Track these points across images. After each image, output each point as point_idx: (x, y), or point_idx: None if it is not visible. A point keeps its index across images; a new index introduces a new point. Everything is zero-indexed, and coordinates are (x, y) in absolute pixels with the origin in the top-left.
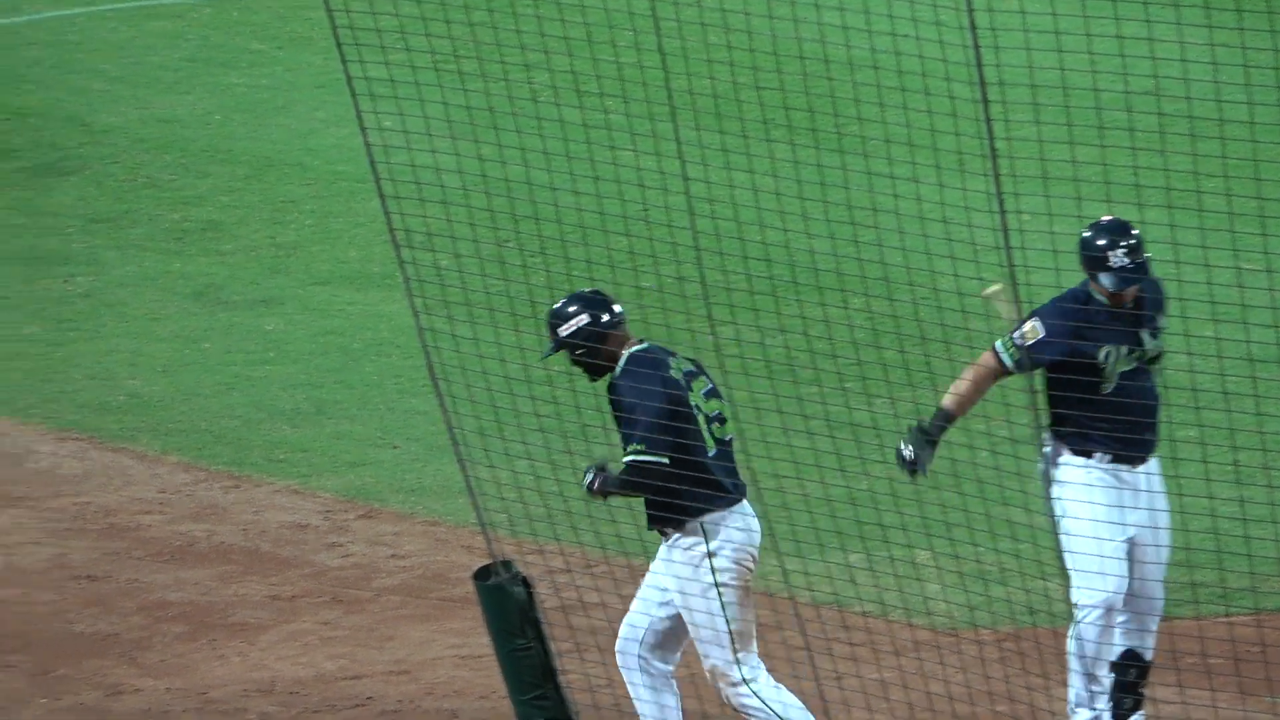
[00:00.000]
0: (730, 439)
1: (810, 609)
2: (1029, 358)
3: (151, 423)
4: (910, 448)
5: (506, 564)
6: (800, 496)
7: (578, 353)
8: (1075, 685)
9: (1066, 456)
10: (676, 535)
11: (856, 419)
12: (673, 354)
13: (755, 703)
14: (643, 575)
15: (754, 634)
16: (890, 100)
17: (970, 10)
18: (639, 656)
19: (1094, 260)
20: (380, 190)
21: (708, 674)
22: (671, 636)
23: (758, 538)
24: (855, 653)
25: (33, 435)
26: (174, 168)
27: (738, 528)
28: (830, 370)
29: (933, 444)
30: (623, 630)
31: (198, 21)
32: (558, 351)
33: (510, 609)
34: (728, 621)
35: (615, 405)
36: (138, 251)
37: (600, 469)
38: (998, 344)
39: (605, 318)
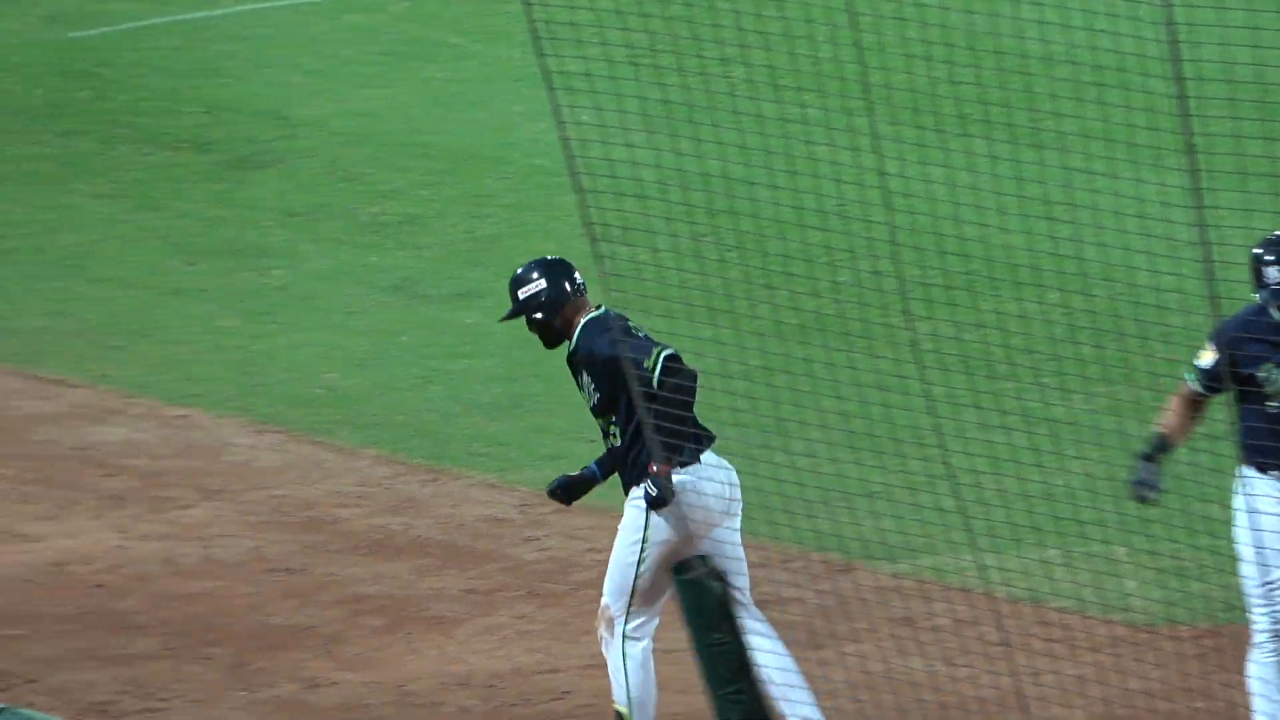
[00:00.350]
0: None
1: (1008, 605)
2: (1207, 377)
3: (349, 416)
4: (1137, 473)
5: (703, 559)
6: (997, 492)
7: (535, 316)
8: (1256, 710)
9: (1247, 470)
10: (635, 487)
11: (1053, 414)
12: (628, 319)
13: (616, 660)
14: (839, 570)
15: (659, 602)
16: (1087, 95)
17: (1168, 5)
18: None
19: (1254, 275)
20: (579, 185)
21: (601, 608)
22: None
23: (707, 498)
24: (1052, 649)
25: (231, 428)
26: (371, 161)
27: (692, 491)
28: (1026, 365)
29: (1152, 461)
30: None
31: (395, 15)
32: (517, 315)
33: (707, 604)
34: (636, 577)
35: (589, 364)
36: (335, 245)
37: (645, 478)
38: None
39: (565, 285)
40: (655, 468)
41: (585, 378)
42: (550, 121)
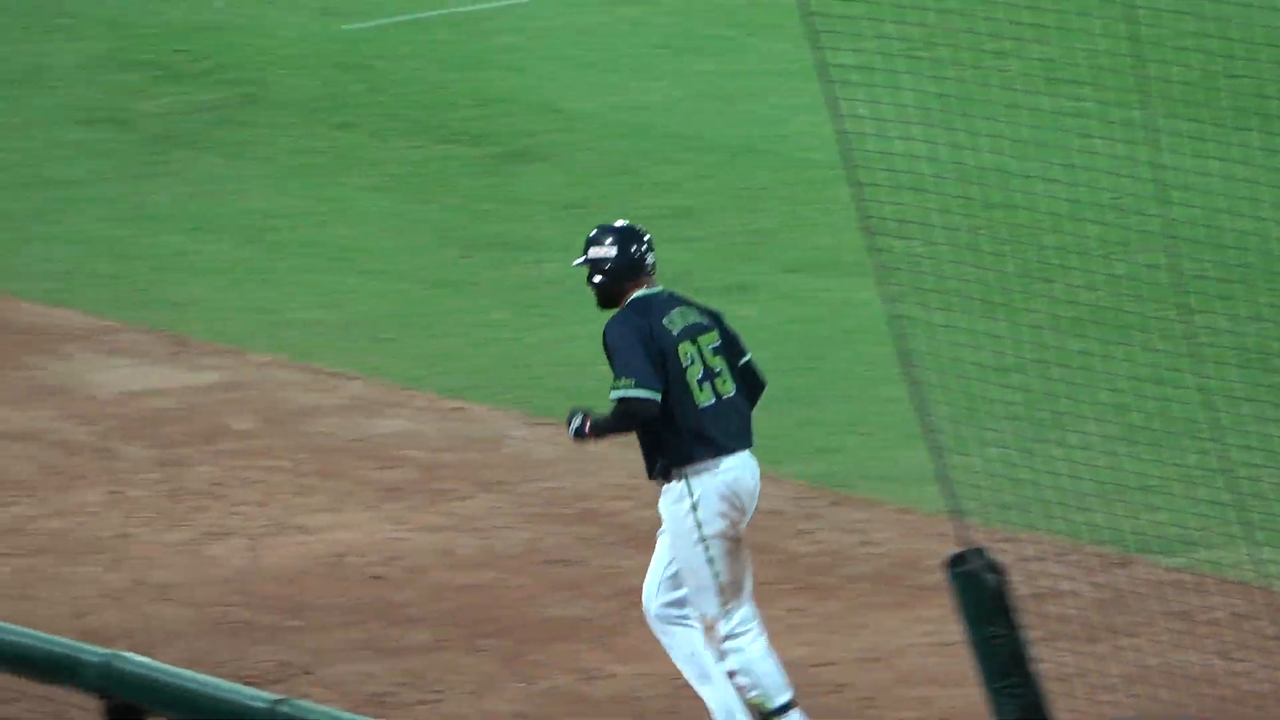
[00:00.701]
0: (732, 396)
1: None
2: None
3: None
4: None
5: (978, 551)
6: (1275, 485)
7: (595, 278)
8: None
9: None
10: (664, 485)
11: None
12: (685, 304)
13: (738, 659)
14: (1115, 564)
15: (747, 586)
16: None
17: None
18: (659, 608)
19: None
20: (856, 178)
21: (704, 626)
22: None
23: (745, 485)
24: None
25: (506, 420)
26: (644, 154)
27: (722, 478)
28: None
29: None
30: (644, 589)
31: (667, 8)
32: (585, 264)
33: (982, 597)
34: (715, 575)
35: (604, 347)
36: None
37: (585, 412)
38: None
39: (633, 258)
40: (589, 420)
41: None
42: (823, 115)
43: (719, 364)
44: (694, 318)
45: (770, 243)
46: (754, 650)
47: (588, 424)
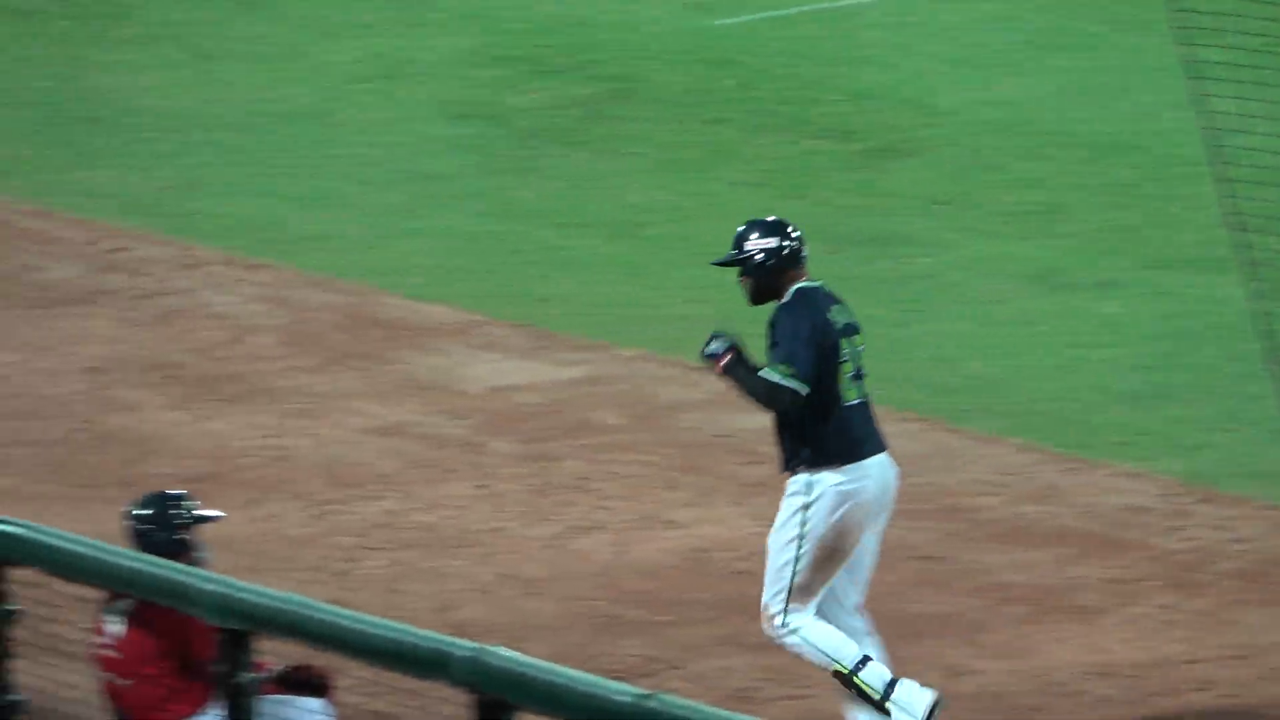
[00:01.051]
0: (868, 399)
1: None
2: None
3: (991, 404)
4: None
5: None
6: None
7: (758, 269)
8: None
9: None
10: (791, 476)
11: None
12: (838, 302)
13: (795, 639)
14: None
15: (818, 594)
16: None
17: None
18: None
19: None
20: (1221, 174)
21: (761, 608)
22: (847, 575)
23: (867, 495)
24: None
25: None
26: (1012, 150)
27: (845, 487)
28: None
29: None
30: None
31: (1035, 4)
32: (734, 264)
33: None
34: (792, 575)
35: (771, 329)
36: (976, 234)
37: (734, 346)
38: None
39: (791, 251)
40: (733, 357)
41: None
42: (1189, 110)
43: (865, 367)
44: (850, 316)
45: (1137, 239)
46: (810, 628)
47: (728, 359)
